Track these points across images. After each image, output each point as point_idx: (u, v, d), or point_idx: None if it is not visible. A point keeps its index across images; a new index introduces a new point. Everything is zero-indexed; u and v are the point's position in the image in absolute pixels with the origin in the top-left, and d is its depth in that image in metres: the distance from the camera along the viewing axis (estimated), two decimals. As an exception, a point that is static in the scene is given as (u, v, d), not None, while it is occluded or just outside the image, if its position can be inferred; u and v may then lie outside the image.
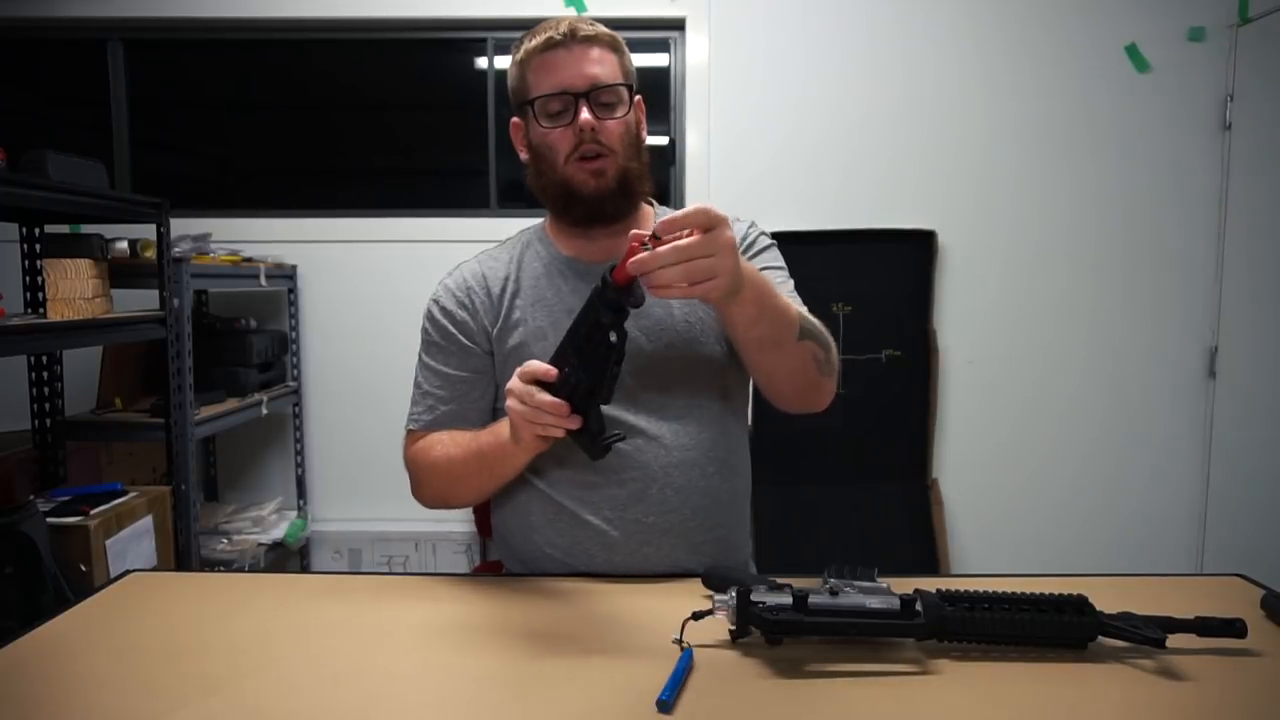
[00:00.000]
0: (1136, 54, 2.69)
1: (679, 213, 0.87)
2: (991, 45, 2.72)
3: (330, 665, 0.86)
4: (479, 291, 1.21)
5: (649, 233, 0.86)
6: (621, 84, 1.14)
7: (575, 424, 0.93)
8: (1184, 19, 2.68)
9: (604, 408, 0.95)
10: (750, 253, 1.22)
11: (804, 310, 1.12)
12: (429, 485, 1.20)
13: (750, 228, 1.25)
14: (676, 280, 0.86)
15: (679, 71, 2.82)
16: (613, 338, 0.89)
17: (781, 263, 1.25)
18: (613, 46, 1.15)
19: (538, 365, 0.95)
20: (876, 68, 2.73)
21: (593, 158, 1.12)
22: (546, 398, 0.93)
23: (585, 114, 1.10)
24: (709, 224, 0.87)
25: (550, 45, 1.13)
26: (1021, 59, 2.72)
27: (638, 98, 1.20)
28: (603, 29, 1.15)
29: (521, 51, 1.16)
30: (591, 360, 0.90)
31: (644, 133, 1.21)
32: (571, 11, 2.69)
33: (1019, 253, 2.76)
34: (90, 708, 0.78)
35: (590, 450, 0.95)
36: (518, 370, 0.96)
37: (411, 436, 1.22)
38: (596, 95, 1.12)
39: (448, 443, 1.16)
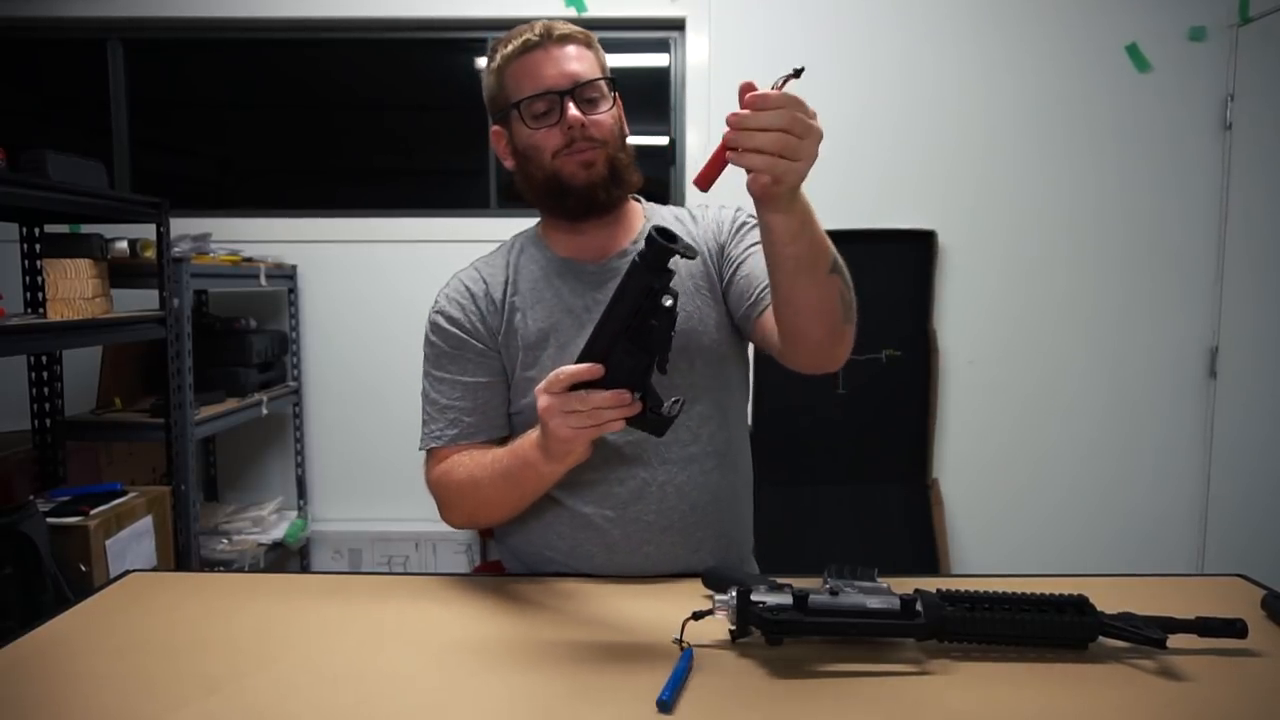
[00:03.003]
0: (1137, 54, 2.69)
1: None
2: (991, 45, 2.72)
3: (330, 665, 0.86)
4: (480, 296, 1.21)
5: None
6: (603, 78, 1.15)
7: (637, 408, 0.90)
8: (1184, 19, 2.68)
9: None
10: (742, 231, 1.21)
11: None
12: (457, 508, 1.17)
13: (738, 211, 1.25)
14: (770, 146, 0.82)
15: (679, 71, 2.82)
16: (668, 302, 0.86)
17: None
18: (588, 43, 1.16)
19: (573, 369, 0.90)
20: (876, 68, 2.73)
21: (583, 151, 1.13)
22: (602, 395, 0.89)
23: (573, 110, 1.11)
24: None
25: (528, 47, 1.13)
26: (1022, 59, 2.72)
27: (614, 93, 1.20)
28: (576, 27, 1.16)
29: (498, 58, 1.16)
30: (647, 336, 0.87)
31: (626, 128, 1.21)
32: (572, 11, 2.69)
33: (1019, 253, 2.76)
34: (90, 708, 0.78)
35: (658, 427, 0.92)
36: (545, 383, 0.91)
37: (435, 456, 1.18)
38: (581, 92, 1.12)
39: (470, 465, 1.12)
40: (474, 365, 1.18)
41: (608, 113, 1.15)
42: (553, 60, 1.12)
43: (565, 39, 1.14)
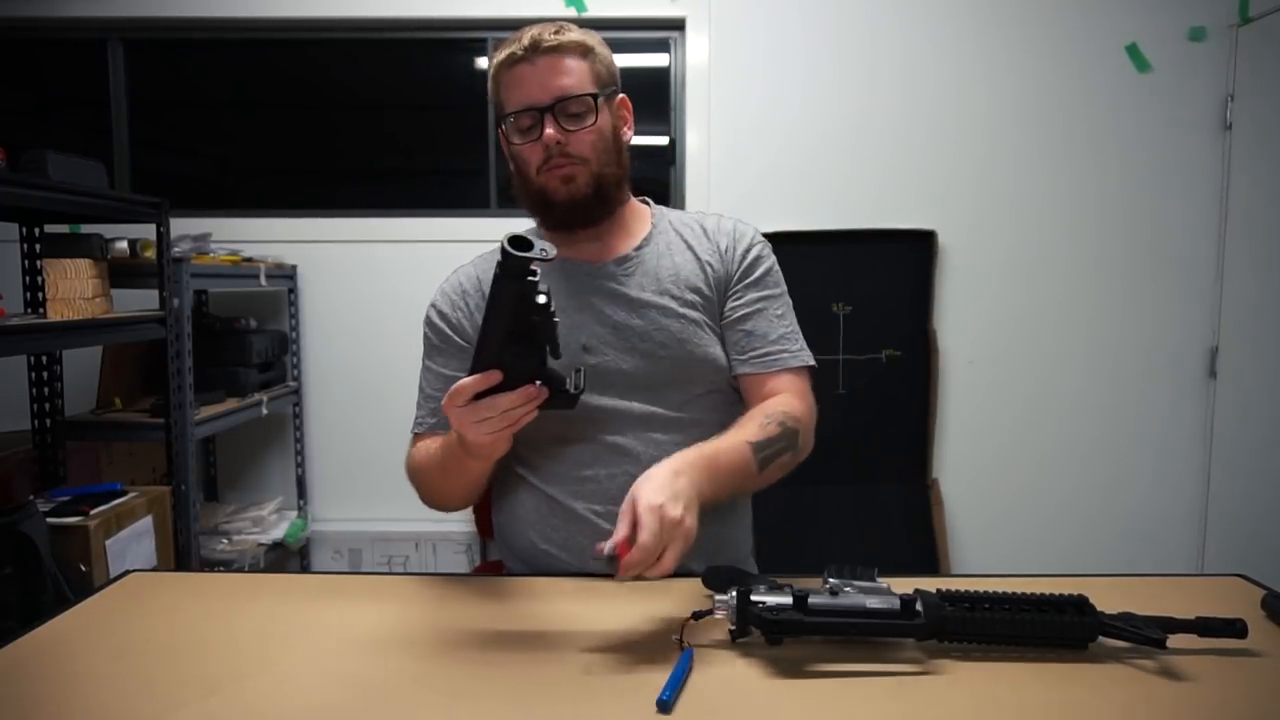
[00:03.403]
0: (1137, 54, 2.69)
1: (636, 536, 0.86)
2: (992, 45, 2.72)
3: (330, 665, 0.86)
4: (473, 294, 1.23)
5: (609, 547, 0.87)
6: (589, 93, 1.13)
7: (545, 394, 0.92)
8: (1184, 19, 2.68)
9: (597, 418, 0.93)
10: (752, 276, 1.22)
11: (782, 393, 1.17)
12: (422, 490, 1.21)
13: (755, 241, 1.24)
14: (655, 570, 0.87)
15: (679, 71, 2.82)
16: (541, 299, 0.87)
17: (780, 285, 1.24)
18: (581, 52, 1.14)
19: (471, 381, 0.89)
20: (876, 68, 2.72)
21: (561, 166, 1.13)
22: (508, 398, 0.90)
23: (550, 130, 1.11)
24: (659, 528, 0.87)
25: (512, 61, 1.12)
26: (1022, 59, 2.72)
27: (620, 96, 1.19)
28: (570, 36, 1.13)
29: (492, 66, 1.16)
30: (532, 333, 0.88)
31: (627, 131, 1.20)
32: (572, 11, 2.69)
33: (1019, 253, 2.76)
34: (90, 708, 0.78)
35: (569, 403, 0.93)
36: (448, 398, 0.91)
37: (415, 441, 1.23)
38: (563, 107, 1.11)
39: (423, 453, 1.17)
40: (455, 360, 1.21)
41: (591, 128, 1.13)
42: (537, 74, 1.11)
43: (554, 50, 1.11)
